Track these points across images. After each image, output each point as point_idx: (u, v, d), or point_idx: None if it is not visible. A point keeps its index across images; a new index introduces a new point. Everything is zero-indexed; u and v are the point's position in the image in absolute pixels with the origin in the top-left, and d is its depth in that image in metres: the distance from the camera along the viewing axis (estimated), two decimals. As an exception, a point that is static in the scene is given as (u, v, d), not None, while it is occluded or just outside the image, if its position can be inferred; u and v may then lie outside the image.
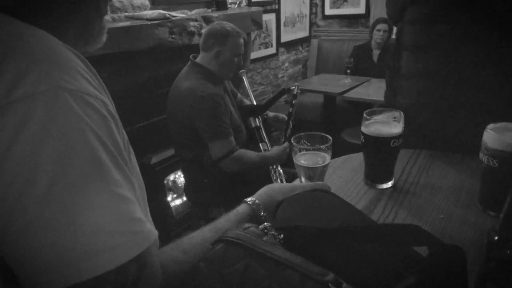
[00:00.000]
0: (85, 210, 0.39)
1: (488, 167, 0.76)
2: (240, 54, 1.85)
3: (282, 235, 0.50)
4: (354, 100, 2.97)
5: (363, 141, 0.91)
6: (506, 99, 0.98)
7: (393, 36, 3.45)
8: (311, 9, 4.28)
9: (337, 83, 3.20)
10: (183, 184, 2.23)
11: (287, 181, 1.83)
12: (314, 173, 0.82)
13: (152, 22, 1.97)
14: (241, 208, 0.66)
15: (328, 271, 0.42)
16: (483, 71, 0.99)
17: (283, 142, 2.01)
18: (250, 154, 1.85)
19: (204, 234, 0.59)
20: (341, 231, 0.51)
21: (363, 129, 0.90)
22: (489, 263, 0.48)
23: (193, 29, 2.21)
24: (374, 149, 0.91)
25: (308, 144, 0.84)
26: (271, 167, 1.91)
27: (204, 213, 2.04)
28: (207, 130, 1.74)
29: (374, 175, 0.95)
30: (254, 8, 3.05)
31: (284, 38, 3.91)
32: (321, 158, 0.82)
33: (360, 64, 3.44)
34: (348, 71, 3.36)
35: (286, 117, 2.10)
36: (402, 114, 0.89)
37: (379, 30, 3.37)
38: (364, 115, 0.90)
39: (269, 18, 3.60)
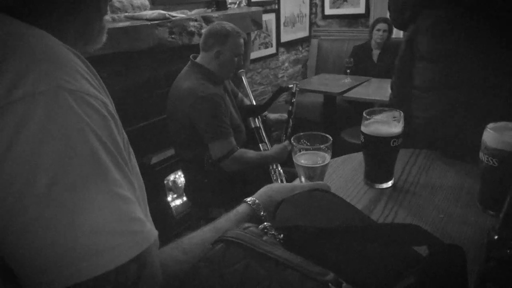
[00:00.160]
0: (85, 210, 0.39)
1: (488, 167, 0.76)
2: (240, 54, 1.85)
3: (282, 235, 0.50)
4: (354, 100, 2.97)
5: (363, 141, 0.91)
6: (506, 99, 0.98)
7: (393, 36, 3.46)
8: (311, 9, 4.28)
9: (337, 83, 3.19)
10: (183, 184, 2.24)
11: (287, 181, 1.83)
12: (314, 173, 0.82)
13: (152, 22, 1.97)
14: (241, 208, 0.66)
15: (328, 271, 0.42)
16: (483, 71, 0.99)
17: (284, 141, 2.01)
18: (250, 153, 1.85)
19: (204, 234, 0.59)
20: (341, 230, 0.51)
21: (363, 128, 0.90)
22: (489, 263, 0.48)
23: (193, 29, 2.21)
24: (374, 148, 0.91)
25: (308, 144, 0.84)
26: (271, 167, 1.91)
27: (204, 213, 2.04)
28: (207, 131, 1.74)
29: (374, 174, 0.95)
30: (254, 8, 3.05)
31: (284, 38, 3.91)
32: (321, 157, 0.82)
33: (360, 64, 3.44)
34: (348, 71, 3.36)
35: (286, 116, 2.11)
36: (402, 114, 0.89)
37: (379, 30, 3.37)
38: (364, 114, 0.90)
39: (269, 18, 3.60)
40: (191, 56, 1.86)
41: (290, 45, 4.08)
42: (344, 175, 1.01)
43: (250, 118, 2.08)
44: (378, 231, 0.53)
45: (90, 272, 0.39)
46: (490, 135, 0.75)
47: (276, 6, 3.70)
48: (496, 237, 0.48)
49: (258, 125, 2.07)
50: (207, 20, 2.31)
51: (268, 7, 3.58)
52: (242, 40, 1.85)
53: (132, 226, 0.42)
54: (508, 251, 0.46)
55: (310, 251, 0.47)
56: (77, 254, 0.39)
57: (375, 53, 3.49)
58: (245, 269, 0.44)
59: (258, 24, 2.85)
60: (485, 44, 0.97)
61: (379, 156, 0.92)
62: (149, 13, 2.04)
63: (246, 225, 0.51)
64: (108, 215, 0.41)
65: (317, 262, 0.44)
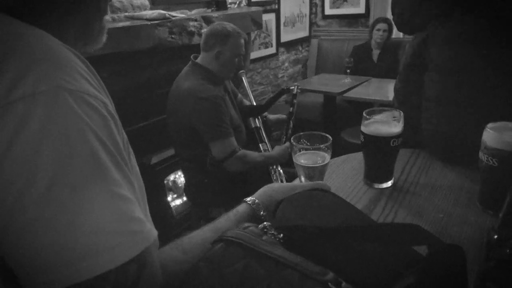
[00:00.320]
0: (85, 210, 0.39)
1: (488, 166, 0.76)
2: (240, 55, 1.85)
3: (281, 235, 0.50)
4: (354, 99, 2.97)
5: (362, 141, 0.91)
6: (506, 98, 0.97)
7: (393, 36, 3.46)
8: (311, 9, 4.28)
9: (337, 83, 3.19)
10: (183, 184, 2.24)
11: (287, 181, 1.83)
12: (314, 173, 0.82)
13: (152, 22, 1.97)
14: (241, 208, 0.66)
15: (328, 271, 0.42)
16: (483, 70, 0.99)
17: (284, 142, 2.01)
18: (253, 153, 1.86)
19: (204, 234, 0.59)
20: (340, 230, 0.51)
21: (363, 128, 0.90)
22: (489, 262, 0.48)
23: (193, 29, 2.21)
24: (374, 148, 0.91)
25: (308, 143, 0.84)
26: (271, 167, 1.92)
27: (204, 213, 2.04)
28: (207, 131, 1.74)
29: (374, 174, 0.95)
30: (254, 8, 3.05)
31: (284, 38, 3.91)
32: (321, 157, 0.82)
33: (360, 64, 3.44)
34: (348, 71, 3.36)
35: (287, 117, 2.11)
36: (402, 113, 0.89)
37: (378, 30, 3.37)
38: (364, 114, 0.90)
39: (269, 18, 3.60)
40: (191, 56, 1.86)
41: (290, 45, 4.08)
42: (344, 175, 1.01)
43: (250, 118, 2.08)
44: (377, 231, 0.53)
45: (90, 272, 0.39)
46: (490, 135, 0.75)
47: (276, 6, 3.70)
48: (495, 236, 0.48)
49: (258, 125, 2.07)
50: (207, 20, 2.31)
51: (268, 7, 3.58)
52: (242, 41, 1.85)
53: (131, 226, 0.42)
54: (508, 250, 0.46)
55: (309, 251, 0.47)
56: (77, 254, 0.39)
57: (375, 53, 3.49)
58: (245, 268, 0.44)
59: (258, 24, 2.85)
60: (501, 56, 0.94)
61: (379, 156, 0.92)
62: (149, 13, 2.04)
63: (246, 224, 0.51)
64: (108, 215, 0.41)
65: (317, 261, 0.44)
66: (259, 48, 3.57)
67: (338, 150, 1.08)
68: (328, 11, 4.27)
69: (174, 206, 2.42)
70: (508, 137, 0.74)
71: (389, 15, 3.57)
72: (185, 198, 2.34)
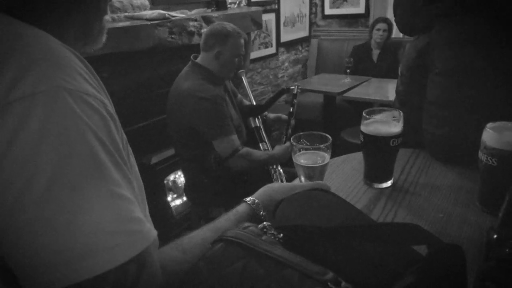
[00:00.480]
0: (84, 209, 0.39)
1: (487, 166, 0.76)
2: (240, 55, 1.85)
3: (281, 234, 0.50)
4: (353, 99, 2.97)
5: (362, 141, 0.91)
6: (506, 99, 0.97)
7: (393, 36, 3.46)
8: (310, 9, 4.28)
9: (337, 83, 3.20)
10: (183, 184, 2.24)
11: (287, 181, 1.83)
12: (314, 173, 0.82)
13: (151, 22, 1.97)
14: (241, 208, 0.66)
15: (328, 270, 0.42)
16: (483, 71, 0.98)
17: (285, 142, 2.02)
18: (257, 151, 1.87)
19: (203, 233, 0.59)
20: (340, 230, 0.51)
21: (363, 128, 0.90)
22: (489, 262, 0.48)
23: (192, 29, 2.21)
24: (374, 148, 0.91)
25: (308, 143, 0.84)
26: (271, 167, 1.92)
27: (204, 213, 2.04)
28: (209, 130, 1.75)
29: (373, 174, 0.95)
30: (253, 8, 3.05)
31: (284, 38, 3.91)
32: (321, 157, 0.82)
33: (360, 63, 3.44)
34: (348, 70, 3.37)
35: (287, 117, 2.11)
36: (402, 113, 0.89)
37: (378, 30, 3.37)
38: (364, 114, 0.90)
39: (269, 18, 3.60)
40: (191, 56, 1.86)
41: (290, 45, 4.08)
42: (344, 175, 1.01)
43: (250, 118, 2.08)
44: (377, 231, 0.53)
45: (89, 272, 0.39)
46: (490, 135, 0.75)
47: (276, 6, 3.70)
48: (495, 236, 0.48)
49: (258, 125, 2.07)
50: (207, 20, 2.31)
51: (268, 7, 3.58)
52: (242, 41, 1.85)
53: (131, 226, 0.42)
54: (507, 250, 0.46)
55: (309, 251, 0.47)
56: (76, 253, 0.39)
57: (375, 53, 3.49)
58: (244, 268, 0.44)
59: (258, 24, 2.85)
60: (502, 56, 0.93)
61: (379, 156, 0.92)
62: (149, 13, 2.04)
63: (246, 224, 0.51)
64: (107, 214, 0.41)
65: (317, 261, 0.44)
66: (259, 48, 3.57)
67: (338, 150, 1.08)
68: (328, 11, 4.27)
69: (174, 206, 2.43)
70: (508, 137, 0.74)
71: (389, 15, 3.58)
72: (185, 198, 2.34)
